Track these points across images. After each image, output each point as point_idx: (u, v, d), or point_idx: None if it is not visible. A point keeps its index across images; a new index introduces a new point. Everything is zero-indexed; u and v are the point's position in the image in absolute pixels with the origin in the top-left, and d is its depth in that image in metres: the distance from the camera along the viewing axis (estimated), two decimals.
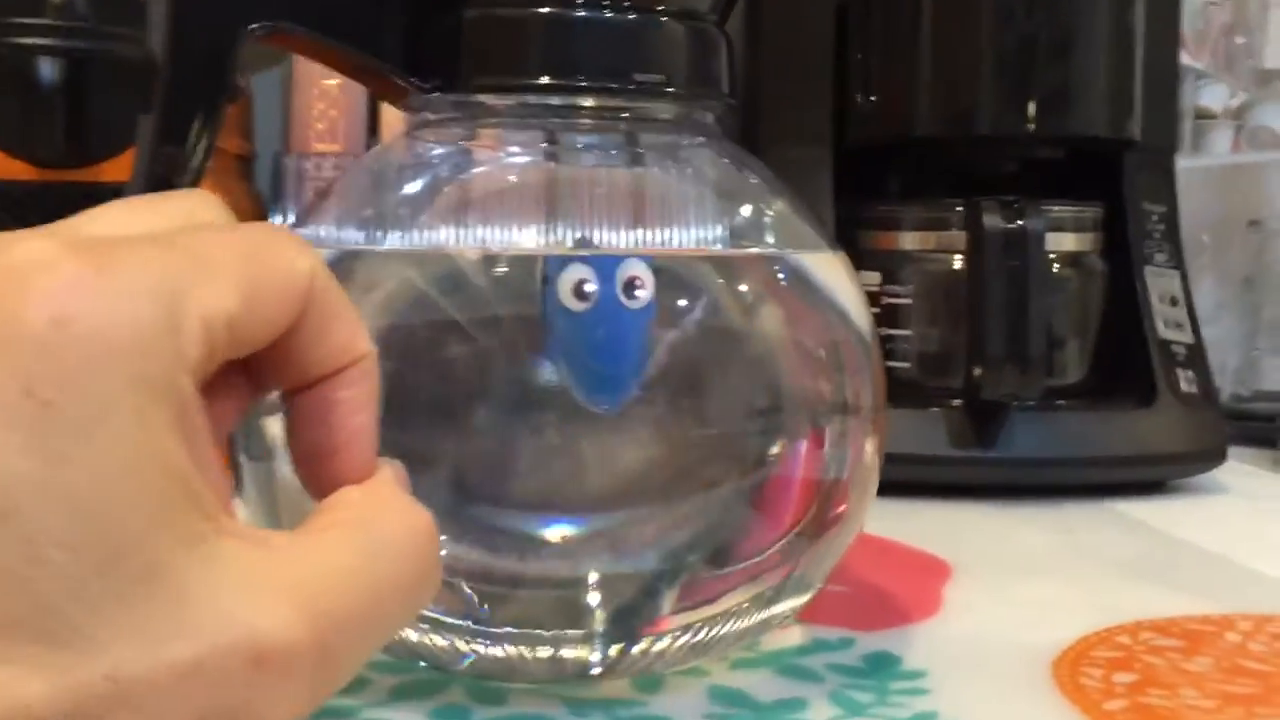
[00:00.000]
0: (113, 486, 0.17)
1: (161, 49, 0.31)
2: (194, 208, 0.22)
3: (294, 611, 0.18)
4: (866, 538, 0.48)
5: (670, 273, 0.31)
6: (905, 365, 0.59)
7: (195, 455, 0.18)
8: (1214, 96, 0.80)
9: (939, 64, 0.58)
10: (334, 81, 0.64)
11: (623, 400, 0.30)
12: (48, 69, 0.48)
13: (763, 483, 0.32)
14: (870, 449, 0.34)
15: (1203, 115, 0.79)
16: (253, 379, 0.23)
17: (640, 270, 0.30)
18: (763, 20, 0.62)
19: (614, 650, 0.30)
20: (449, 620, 0.30)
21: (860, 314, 0.34)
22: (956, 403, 0.57)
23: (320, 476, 0.22)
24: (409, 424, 0.30)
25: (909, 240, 0.59)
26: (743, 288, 0.33)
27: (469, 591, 0.30)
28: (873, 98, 0.60)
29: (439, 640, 0.30)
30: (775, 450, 0.32)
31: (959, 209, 0.57)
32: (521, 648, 0.30)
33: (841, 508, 0.33)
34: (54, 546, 0.16)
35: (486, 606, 0.30)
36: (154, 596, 0.17)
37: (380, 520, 0.21)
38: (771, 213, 0.34)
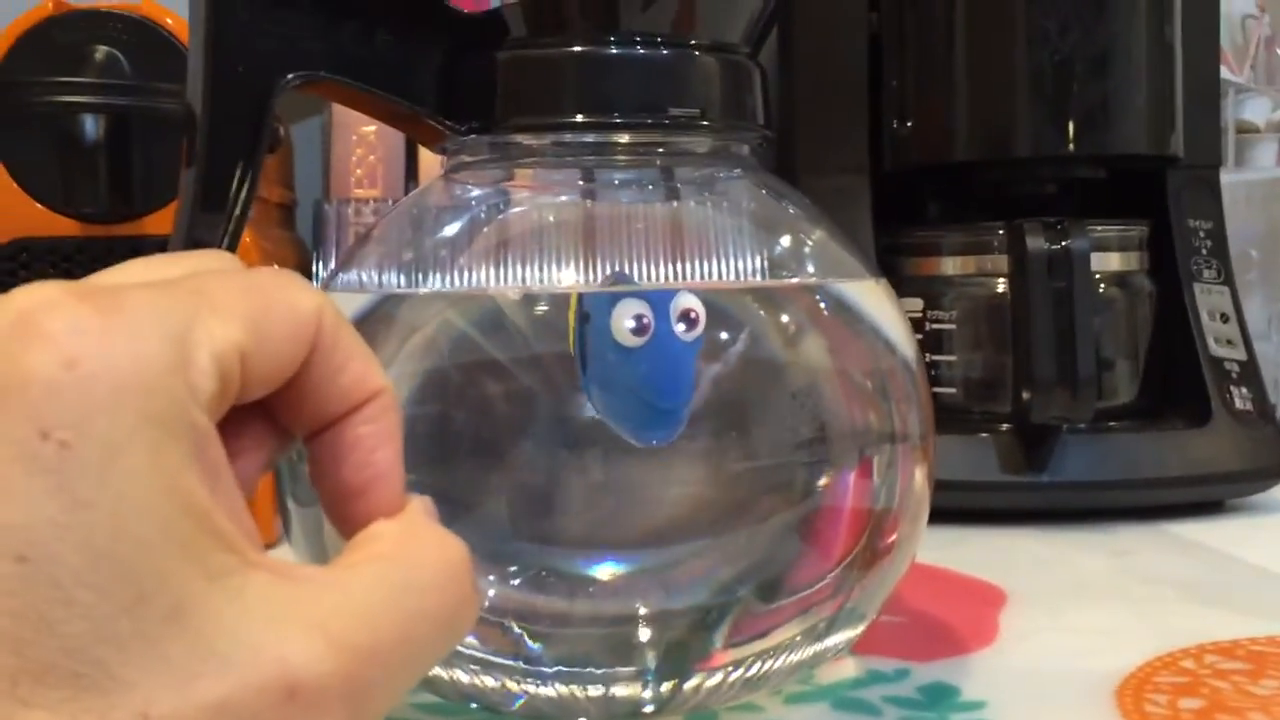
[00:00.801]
0: (132, 525, 0.17)
1: (200, 102, 0.32)
2: (204, 259, 0.22)
3: (324, 644, 0.18)
4: (919, 567, 0.48)
5: (713, 305, 0.31)
6: (951, 391, 0.58)
7: (216, 491, 0.18)
8: (1256, 110, 0.79)
9: (975, 87, 0.58)
10: (372, 128, 0.65)
11: (674, 435, 0.30)
12: (90, 126, 0.49)
13: (812, 514, 0.31)
14: (920, 477, 0.33)
15: (1245, 130, 0.79)
16: (277, 425, 0.23)
17: (694, 303, 0.30)
18: (796, 50, 0.62)
19: (666, 687, 0.30)
20: (499, 660, 0.30)
21: (905, 341, 0.34)
22: (1005, 427, 0.57)
23: (350, 516, 0.22)
24: (455, 464, 0.31)
25: (950, 265, 0.59)
26: (785, 318, 0.33)
27: (519, 631, 0.30)
28: (909, 123, 0.60)
29: (489, 681, 0.30)
30: (824, 481, 0.31)
31: (1000, 232, 0.56)
32: (573, 687, 0.30)
33: (892, 537, 0.32)
34: (80, 588, 0.16)
35: (537, 645, 0.30)
36: (183, 634, 0.17)
37: (413, 552, 0.21)
38: (811, 242, 0.34)
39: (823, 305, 0.33)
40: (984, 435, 0.57)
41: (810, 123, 0.62)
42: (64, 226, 0.51)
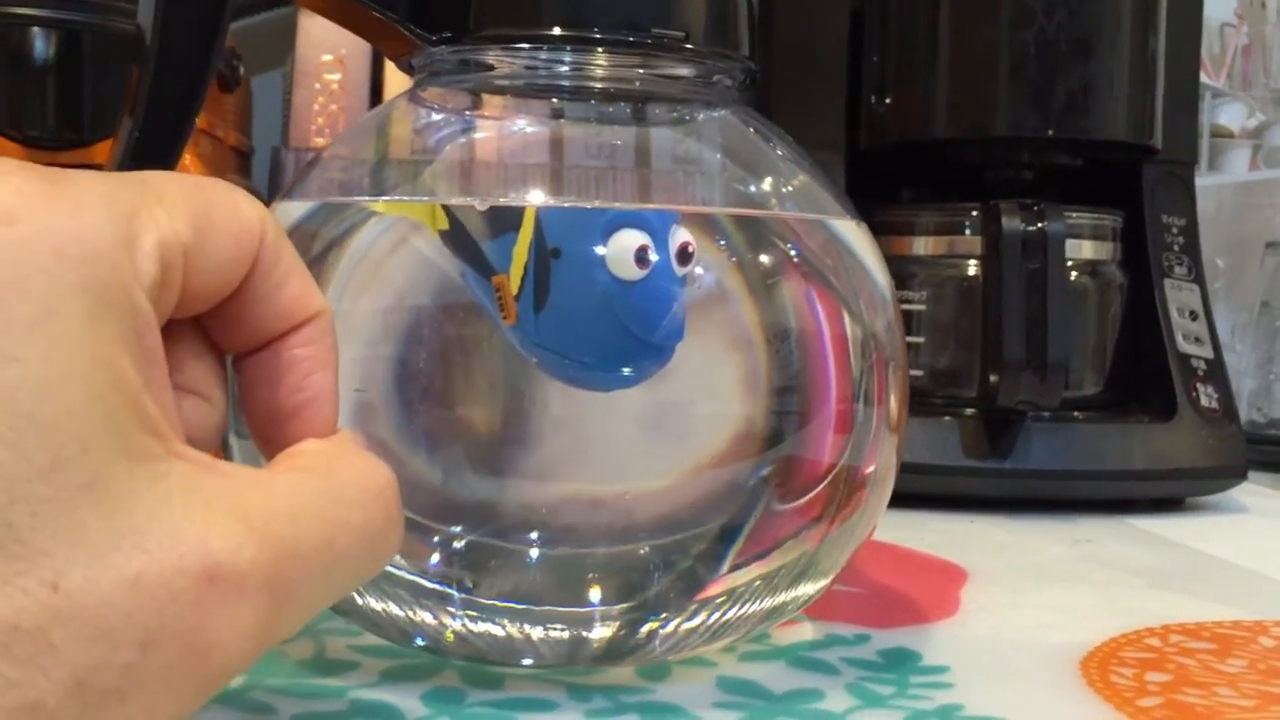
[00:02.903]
0: (57, 389, 0.16)
1: (152, 7, 0.30)
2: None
3: (247, 533, 0.17)
4: (880, 544, 0.47)
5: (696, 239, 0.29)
6: (917, 374, 0.57)
7: (149, 379, 0.18)
8: (1231, 116, 0.79)
9: (956, 65, 0.57)
10: (335, 76, 0.63)
11: (655, 371, 0.28)
12: (41, 43, 0.46)
13: (778, 462, 0.30)
14: (891, 435, 0.32)
15: (1219, 134, 0.78)
16: (217, 351, 0.22)
17: (689, 236, 0.28)
18: (775, 22, 0.61)
19: (615, 632, 0.29)
20: (440, 591, 0.28)
21: (888, 288, 0.33)
22: (970, 412, 0.56)
23: (280, 439, 0.22)
24: (404, 391, 0.29)
25: (922, 245, 0.58)
26: (767, 258, 0.31)
27: (461, 563, 0.28)
28: (888, 100, 0.59)
29: (427, 616, 0.28)
30: (794, 430, 0.30)
31: (975, 213, 0.56)
32: (515, 625, 0.28)
33: (861, 492, 0.31)
34: None
35: (480, 578, 0.28)
36: (98, 507, 0.16)
37: (339, 468, 0.21)
38: (796, 182, 0.33)
39: (808, 244, 0.32)
40: (948, 419, 0.56)
41: (787, 96, 0.61)
42: (8, 150, 0.49)
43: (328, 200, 0.32)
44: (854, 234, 0.32)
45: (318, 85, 0.63)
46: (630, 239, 0.28)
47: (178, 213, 0.19)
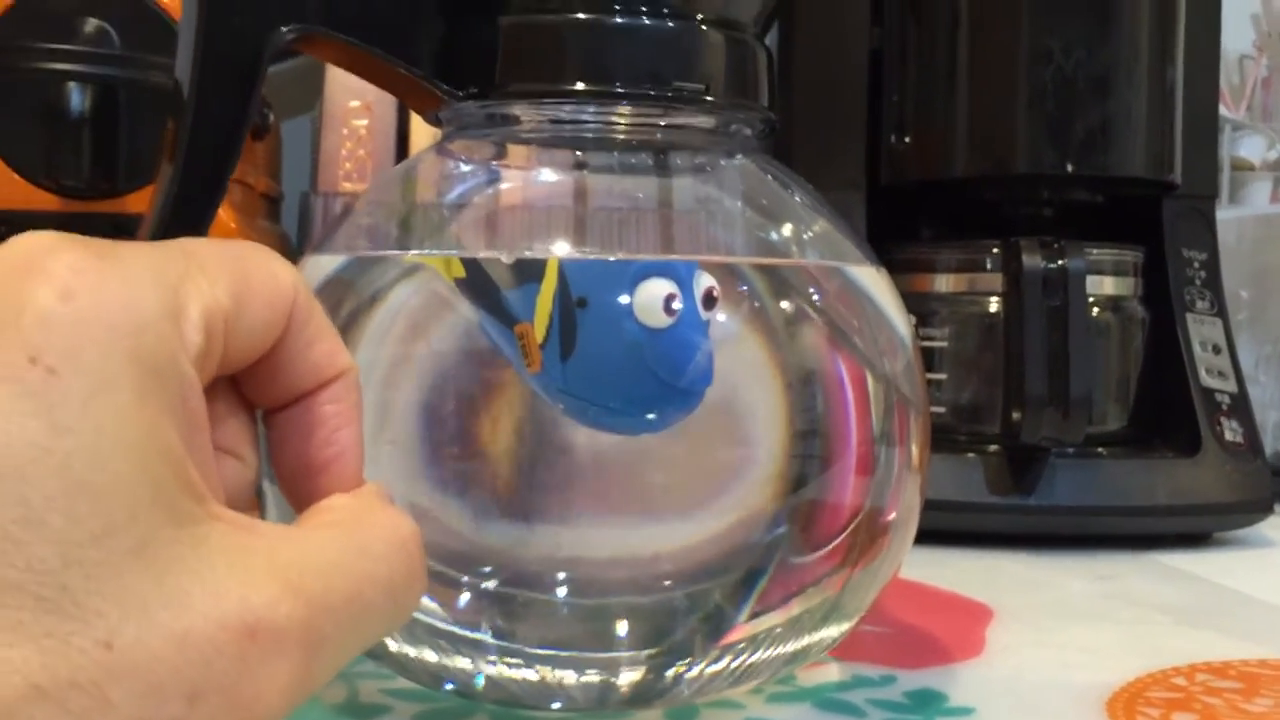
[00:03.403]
0: (110, 459, 0.17)
1: (190, 58, 0.31)
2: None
3: (283, 590, 0.18)
4: (904, 583, 0.47)
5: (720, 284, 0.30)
6: (940, 410, 0.58)
7: (193, 443, 0.19)
8: (1252, 148, 0.79)
9: (976, 103, 0.58)
10: (363, 122, 0.64)
11: (683, 415, 0.29)
12: (77, 96, 0.47)
13: (802, 506, 0.30)
14: (914, 477, 0.32)
15: (1240, 167, 0.78)
16: (249, 405, 0.23)
17: (713, 282, 0.29)
18: (795, 63, 0.62)
19: (644, 676, 0.29)
20: (470, 637, 0.28)
21: (907, 334, 0.33)
22: (993, 449, 0.56)
23: (308, 492, 0.23)
24: (431, 439, 0.29)
25: (943, 283, 0.58)
26: (788, 304, 0.32)
27: (492, 610, 0.29)
28: (907, 138, 0.59)
29: (461, 662, 0.29)
30: (817, 474, 0.30)
31: (995, 250, 0.56)
32: (546, 670, 0.29)
33: (883, 536, 0.31)
34: (51, 512, 0.16)
35: (510, 625, 0.29)
36: (148, 569, 0.17)
37: (365, 522, 0.21)
38: (815, 229, 0.33)
39: (828, 290, 0.32)
40: (972, 456, 0.56)
41: (807, 135, 0.62)
42: (43, 200, 0.50)
43: (357, 254, 0.32)
44: (873, 280, 0.33)
45: (345, 131, 0.64)
46: (658, 288, 0.29)
47: (219, 282, 0.20)
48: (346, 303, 0.30)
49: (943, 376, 0.58)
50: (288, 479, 0.23)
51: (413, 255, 0.32)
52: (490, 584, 0.29)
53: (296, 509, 0.23)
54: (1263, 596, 0.47)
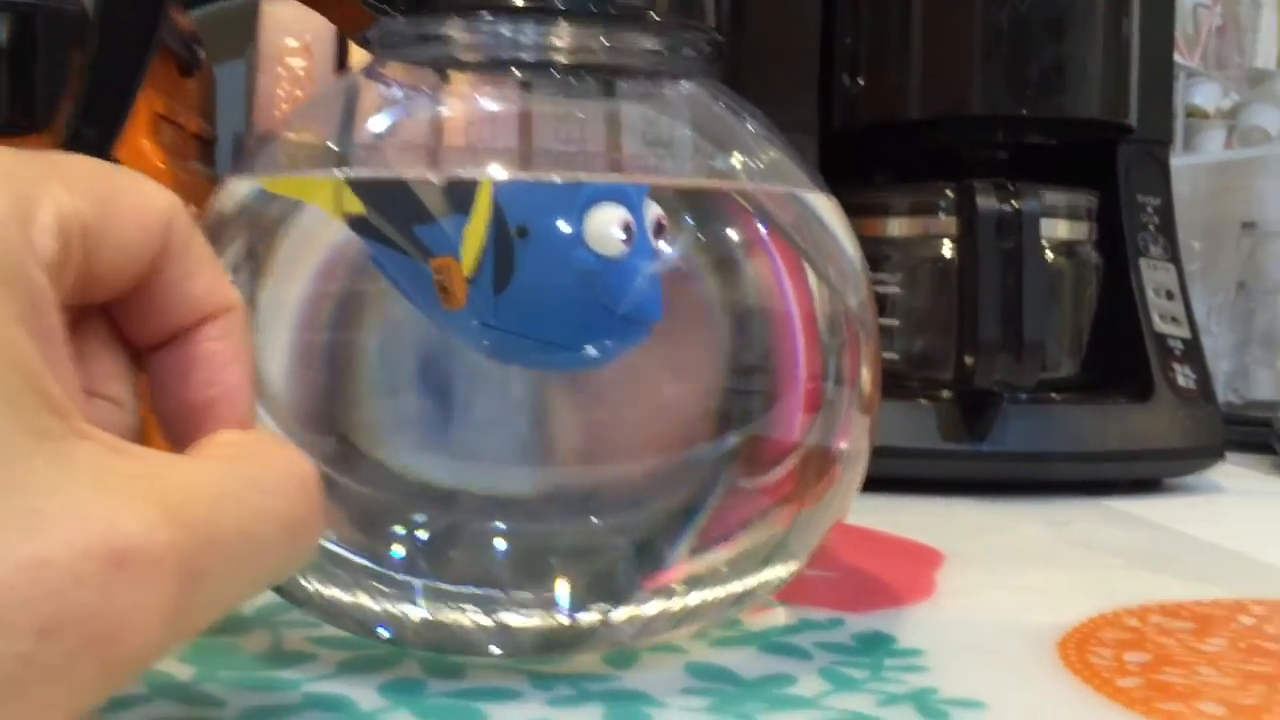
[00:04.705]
0: None
1: None
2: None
3: (159, 515, 0.16)
4: (853, 528, 0.46)
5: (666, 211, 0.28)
6: (892, 357, 0.57)
7: (49, 357, 0.17)
8: (1206, 96, 0.79)
9: (930, 44, 0.56)
10: (300, 63, 0.62)
11: (628, 349, 0.28)
12: None
13: (747, 443, 0.29)
14: (863, 417, 0.31)
15: (1194, 114, 0.78)
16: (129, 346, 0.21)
17: (660, 211, 0.28)
18: (747, 4, 0.60)
19: (582, 619, 0.28)
20: (398, 578, 0.27)
21: (861, 266, 0.32)
22: (945, 394, 0.55)
23: (191, 436, 0.21)
24: (357, 372, 0.28)
25: (896, 226, 0.57)
26: (736, 233, 0.30)
27: (419, 550, 0.27)
28: (861, 80, 0.58)
29: (388, 607, 0.27)
30: (766, 407, 0.29)
31: (949, 193, 0.55)
32: (478, 613, 0.27)
33: (831, 474, 0.30)
34: None
35: (438, 566, 0.27)
36: (0, 488, 0.15)
37: (260, 455, 0.20)
38: (767, 157, 0.32)
39: (780, 219, 0.31)
40: (924, 402, 0.55)
41: (758, 77, 0.60)
42: None
43: (269, 176, 0.31)
44: (826, 208, 0.32)
45: (281, 71, 0.62)
46: (612, 213, 0.27)
47: (79, 190, 0.19)
48: (256, 232, 0.28)
49: (895, 322, 0.57)
50: (169, 423, 0.21)
51: (318, 176, 0.30)
52: (421, 525, 0.27)
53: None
54: (1214, 540, 0.47)
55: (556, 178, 0.29)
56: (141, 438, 0.21)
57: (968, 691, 0.28)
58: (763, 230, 0.30)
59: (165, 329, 0.21)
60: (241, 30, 0.68)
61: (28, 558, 0.15)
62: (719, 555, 0.28)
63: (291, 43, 0.63)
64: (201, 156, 0.60)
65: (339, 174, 0.30)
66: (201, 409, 0.21)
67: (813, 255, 0.31)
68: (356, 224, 0.28)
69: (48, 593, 0.15)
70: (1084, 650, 0.31)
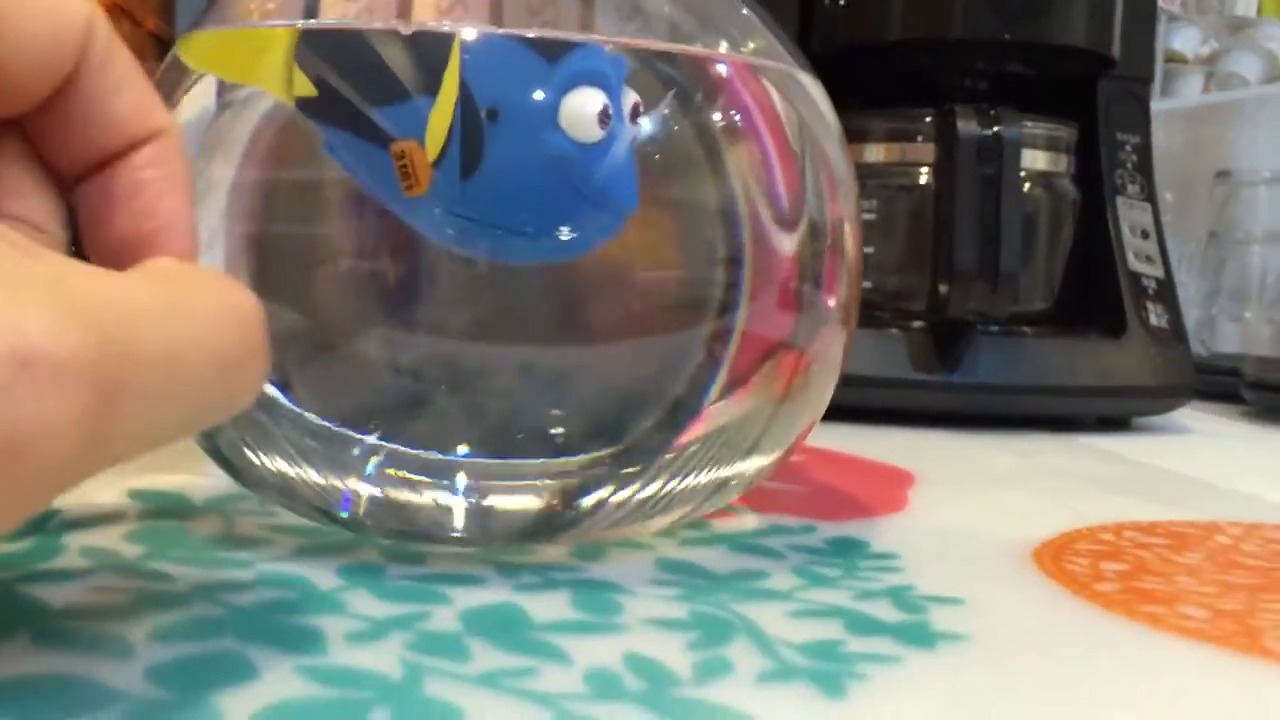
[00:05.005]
0: None
1: None
2: None
3: (71, 319, 0.14)
4: (824, 451, 0.45)
5: (641, 81, 0.27)
6: (865, 286, 0.56)
7: None
8: (1185, 41, 0.78)
9: None
10: None
11: (602, 240, 0.26)
12: None
13: (722, 333, 0.28)
14: (839, 323, 0.30)
15: (1173, 59, 0.77)
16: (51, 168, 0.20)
17: (637, 96, 0.26)
18: None
19: (548, 501, 0.27)
20: (358, 456, 0.26)
21: (846, 164, 0.31)
22: (918, 325, 0.54)
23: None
24: (317, 240, 0.27)
25: (874, 153, 0.56)
26: (718, 115, 0.29)
27: (383, 429, 0.26)
28: (841, 2, 0.57)
29: (346, 483, 0.26)
30: (742, 301, 0.28)
31: (928, 119, 0.54)
32: (440, 494, 0.26)
33: (805, 372, 0.29)
34: None
35: (398, 445, 0.26)
36: None
37: (195, 284, 0.18)
38: (755, 39, 0.31)
39: (766, 105, 0.29)
40: (895, 332, 0.54)
41: None
42: None
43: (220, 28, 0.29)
44: (820, 95, 0.30)
45: None
46: (591, 97, 0.26)
47: None
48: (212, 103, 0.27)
49: (869, 250, 0.56)
50: (103, 260, 0.19)
51: (273, 26, 0.28)
52: (381, 401, 0.26)
53: None
54: (1185, 472, 0.46)
55: (530, 35, 0.27)
56: None
57: (945, 590, 0.27)
58: (749, 115, 0.29)
59: (89, 154, 0.19)
60: None
61: None
62: (690, 436, 0.27)
63: None
64: (158, 57, 0.58)
65: (288, 25, 0.28)
66: (136, 244, 0.19)
67: (802, 144, 0.29)
68: (306, 106, 0.26)
69: None
70: (1060, 559, 0.31)
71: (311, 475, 0.26)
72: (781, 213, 0.29)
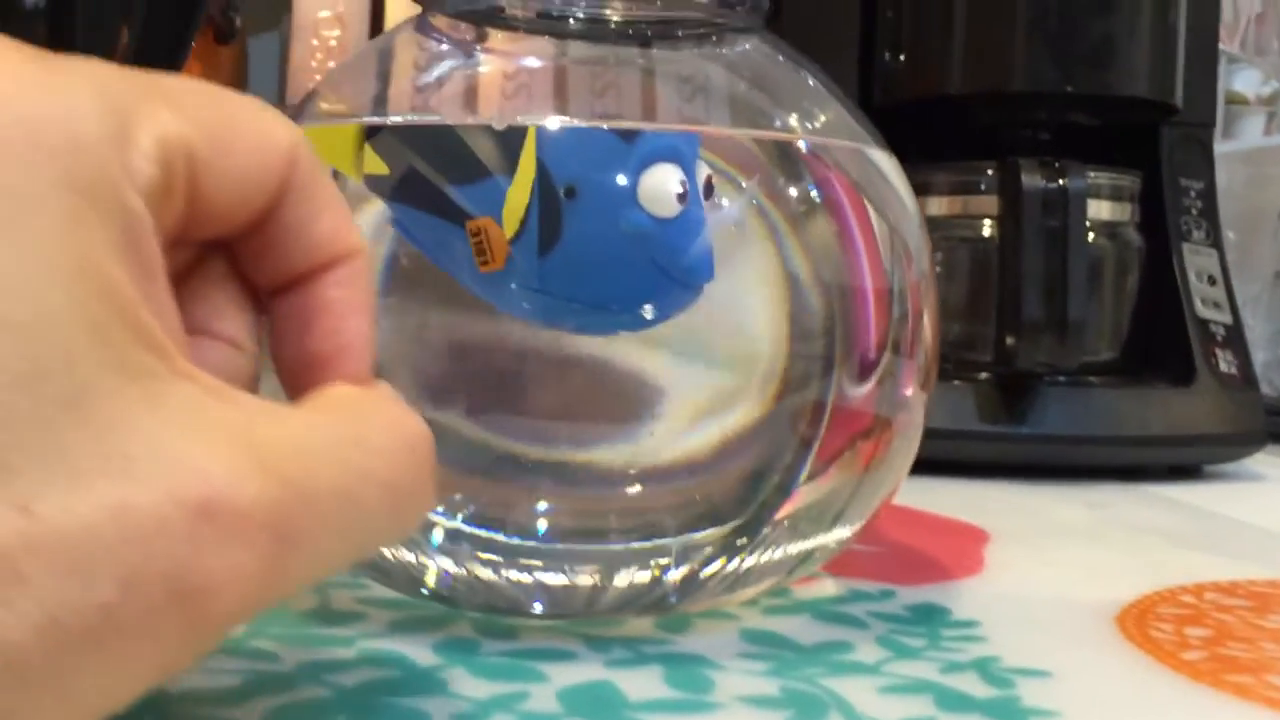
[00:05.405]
0: (34, 290, 0.14)
1: None
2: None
3: (252, 466, 0.15)
4: (898, 508, 0.45)
5: (718, 170, 0.28)
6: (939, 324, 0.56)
7: (147, 292, 0.16)
8: (1246, 82, 0.78)
9: (974, 19, 0.56)
10: (333, 33, 0.61)
11: (679, 312, 0.27)
12: None
13: (807, 407, 0.28)
14: (920, 389, 0.30)
15: (1235, 100, 0.77)
16: (250, 290, 0.20)
17: (709, 170, 0.27)
18: None
19: (635, 579, 0.27)
20: (454, 533, 0.27)
21: (922, 231, 0.31)
22: (984, 377, 0.54)
23: (309, 386, 0.20)
24: (411, 338, 0.27)
25: (936, 205, 0.56)
26: (795, 190, 0.30)
27: (477, 508, 0.27)
28: (902, 56, 0.57)
29: (440, 563, 0.27)
30: (826, 373, 0.28)
31: (990, 171, 0.54)
32: (524, 573, 0.27)
33: (888, 443, 0.30)
34: None
35: (491, 524, 0.27)
36: (86, 425, 0.14)
37: (368, 413, 0.18)
38: (829, 113, 0.31)
39: (846, 178, 0.30)
40: (962, 384, 0.54)
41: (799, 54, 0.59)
42: None
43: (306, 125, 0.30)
44: (890, 167, 0.31)
45: (315, 42, 0.61)
46: (668, 173, 0.26)
47: (187, 114, 0.17)
48: None
49: None
50: (288, 372, 0.20)
51: (354, 123, 0.29)
52: (475, 483, 0.27)
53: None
54: (1259, 524, 0.46)
55: (606, 127, 0.28)
56: (257, 383, 0.20)
57: (1031, 661, 0.27)
58: (825, 190, 0.30)
59: (286, 272, 0.20)
60: (276, 4, 0.67)
61: (113, 502, 0.14)
62: (776, 517, 0.28)
63: (325, 14, 0.62)
64: None
65: (362, 122, 0.29)
66: (322, 360, 0.20)
67: (879, 215, 0.30)
68: (376, 184, 0.27)
69: (131, 540, 0.14)
70: (1143, 624, 0.31)
71: (403, 554, 0.27)
72: (862, 284, 0.29)
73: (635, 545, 0.27)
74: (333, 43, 0.61)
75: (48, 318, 0.14)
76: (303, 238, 0.20)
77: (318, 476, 0.16)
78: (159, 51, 0.30)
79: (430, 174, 0.27)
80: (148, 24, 0.29)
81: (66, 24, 0.47)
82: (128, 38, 0.29)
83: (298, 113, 0.32)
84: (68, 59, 0.17)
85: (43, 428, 0.14)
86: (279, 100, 0.63)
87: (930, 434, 0.51)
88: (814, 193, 0.29)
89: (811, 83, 0.31)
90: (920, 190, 0.56)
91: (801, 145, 0.30)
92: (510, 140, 0.27)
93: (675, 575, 0.27)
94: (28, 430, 0.14)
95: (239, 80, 0.60)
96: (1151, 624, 0.31)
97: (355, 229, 0.20)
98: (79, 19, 0.47)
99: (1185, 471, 0.57)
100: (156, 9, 0.29)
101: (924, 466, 0.51)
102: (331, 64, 0.60)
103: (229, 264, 0.20)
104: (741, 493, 0.27)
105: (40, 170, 0.15)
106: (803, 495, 0.28)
